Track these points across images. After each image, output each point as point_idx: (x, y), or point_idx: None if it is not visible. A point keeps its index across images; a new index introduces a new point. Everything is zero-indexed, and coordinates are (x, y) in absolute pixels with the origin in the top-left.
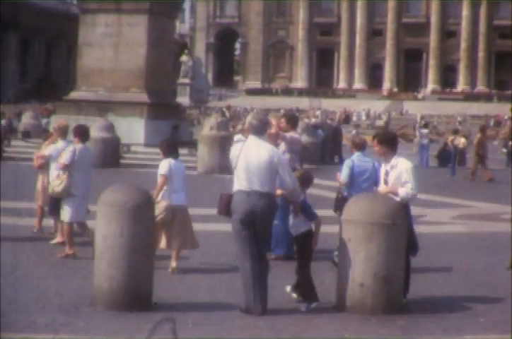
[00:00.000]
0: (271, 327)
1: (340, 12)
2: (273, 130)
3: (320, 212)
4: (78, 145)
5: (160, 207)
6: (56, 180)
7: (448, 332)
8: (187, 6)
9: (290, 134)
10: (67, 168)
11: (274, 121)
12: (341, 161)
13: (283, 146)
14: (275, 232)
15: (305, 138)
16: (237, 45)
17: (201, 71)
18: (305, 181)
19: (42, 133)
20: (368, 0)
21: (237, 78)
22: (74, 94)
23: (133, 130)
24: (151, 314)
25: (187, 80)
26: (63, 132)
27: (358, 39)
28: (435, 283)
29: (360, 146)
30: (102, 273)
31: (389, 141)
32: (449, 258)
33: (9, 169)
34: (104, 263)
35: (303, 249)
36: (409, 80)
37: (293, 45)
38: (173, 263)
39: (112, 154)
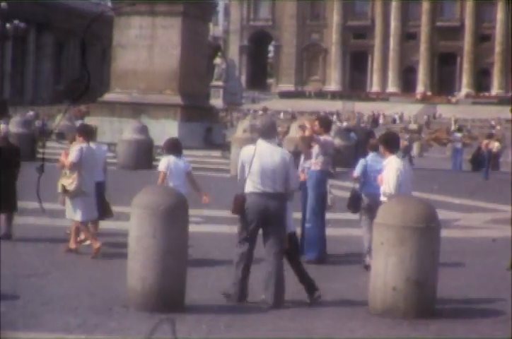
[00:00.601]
0: (302, 329)
1: (374, 15)
2: (307, 133)
3: (352, 216)
4: (84, 144)
5: None
6: (66, 179)
7: (481, 337)
8: (220, 8)
9: (323, 137)
10: (76, 167)
11: (307, 124)
12: None
13: (316, 149)
14: (307, 236)
15: (338, 141)
16: (271, 48)
17: (235, 74)
18: None
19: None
20: (403, 0)
21: (270, 80)
22: (108, 96)
23: (166, 132)
24: (183, 316)
25: (220, 83)
26: (90, 134)
27: (392, 43)
28: (467, 287)
29: (374, 147)
30: (135, 274)
31: (388, 142)
32: (482, 262)
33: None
34: (137, 265)
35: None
36: (443, 84)
37: (326, 48)
38: None
39: (145, 156)
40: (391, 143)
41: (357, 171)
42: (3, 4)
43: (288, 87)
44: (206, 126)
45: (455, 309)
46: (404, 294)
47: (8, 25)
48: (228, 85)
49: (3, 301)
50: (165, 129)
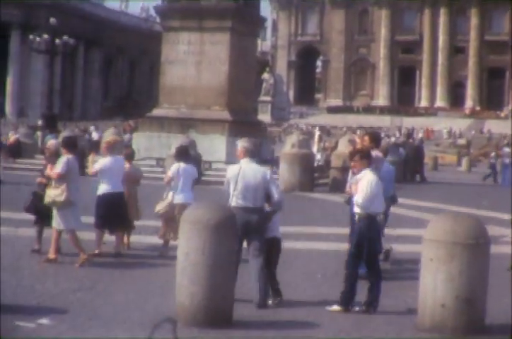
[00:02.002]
0: None
1: (422, 30)
2: (358, 147)
3: (401, 232)
4: (70, 156)
5: (163, 203)
6: (53, 190)
7: None
8: (268, 23)
9: (373, 152)
10: (63, 178)
11: (358, 139)
12: (423, 180)
13: None
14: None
15: (386, 157)
16: (319, 63)
17: (283, 89)
18: None
19: (124, 149)
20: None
21: (318, 95)
22: (156, 112)
23: (214, 147)
24: (231, 332)
25: (268, 98)
26: (110, 148)
27: (441, 57)
28: None
29: (384, 152)
30: (183, 290)
31: (363, 157)
32: None
33: (90, 185)
34: (185, 280)
35: (269, 253)
36: (492, 99)
37: (374, 63)
38: (169, 252)
39: None
40: (366, 158)
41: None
42: (53, 20)
43: (336, 102)
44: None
45: (505, 326)
46: (453, 311)
47: (57, 41)
48: (276, 100)
49: (49, 315)
50: (213, 144)
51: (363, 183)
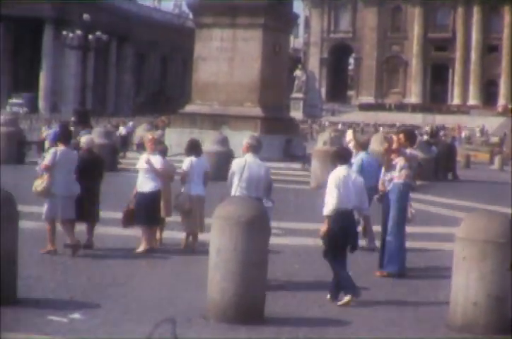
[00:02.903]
0: None
1: (455, 27)
2: (394, 145)
3: (432, 229)
4: (60, 148)
5: (180, 197)
6: (38, 180)
7: None
8: (301, 20)
9: (408, 150)
10: (49, 169)
11: (394, 137)
12: (456, 178)
13: (401, 162)
14: (388, 249)
15: (419, 155)
16: (351, 60)
17: (315, 86)
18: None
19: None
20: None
21: (350, 92)
22: (189, 108)
23: None
24: (262, 328)
25: (300, 95)
26: (155, 145)
27: (473, 55)
28: None
29: (365, 146)
30: (215, 286)
31: (340, 155)
32: None
33: (123, 181)
34: (217, 276)
35: None
36: None
37: (407, 60)
38: (187, 244)
39: (225, 167)
40: (344, 156)
41: (354, 169)
42: (86, 16)
43: (368, 99)
44: (286, 138)
45: None
46: (484, 310)
47: (90, 37)
48: (308, 97)
49: (82, 310)
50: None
51: (331, 185)
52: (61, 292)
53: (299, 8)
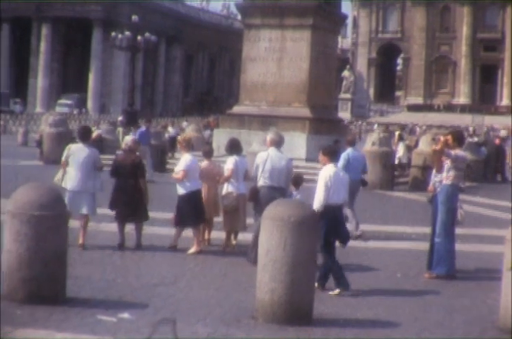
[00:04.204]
0: None
1: (504, 27)
2: (438, 146)
3: (482, 231)
4: (74, 145)
5: (230, 196)
6: (59, 172)
7: None
8: (349, 21)
9: (455, 151)
10: (63, 164)
11: (441, 138)
12: (505, 180)
13: (448, 163)
14: (437, 250)
15: (468, 156)
16: (399, 60)
17: (363, 86)
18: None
19: (203, 146)
20: None
21: (398, 93)
22: (237, 109)
23: (295, 144)
24: (311, 329)
25: (348, 96)
26: (187, 145)
27: None
28: None
29: (352, 142)
30: (263, 286)
31: (330, 153)
32: None
33: (171, 181)
34: (266, 276)
35: None
36: None
37: (456, 61)
38: (233, 242)
39: None
40: (331, 155)
41: (340, 165)
42: (135, 17)
43: (417, 100)
44: (334, 139)
45: None
46: None
47: (139, 38)
48: (356, 97)
49: (131, 310)
50: (293, 142)
51: (320, 182)
52: (110, 291)
53: (347, 8)
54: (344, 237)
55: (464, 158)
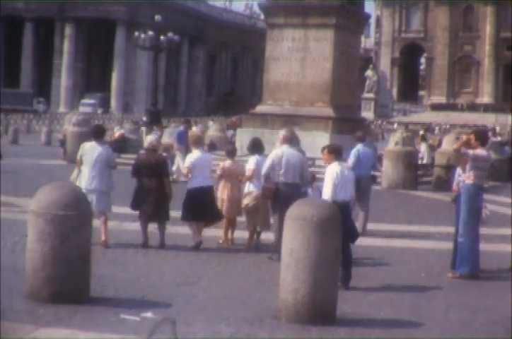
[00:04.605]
0: None
1: None
2: (455, 146)
3: (505, 231)
4: (87, 143)
5: (252, 196)
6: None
7: None
8: (372, 20)
9: (477, 151)
10: (78, 163)
11: (464, 137)
12: None
13: (470, 162)
14: (460, 249)
15: (491, 155)
16: (423, 60)
17: (386, 86)
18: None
19: (226, 146)
20: None
21: (421, 93)
22: (260, 108)
23: (318, 144)
24: (334, 329)
25: (371, 95)
26: (196, 142)
27: None
28: None
29: (362, 138)
30: (287, 286)
31: (334, 151)
32: None
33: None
34: (289, 276)
35: None
36: None
37: (479, 60)
38: (252, 242)
39: None
40: (337, 152)
41: (351, 162)
42: (158, 17)
43: (440, 99)
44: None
45: None
46: None
47: (162, 38)
48: (379, 97)
49: (154, 309)
50: (316, 141)
51: (328, 178)
52: (134, 290)
53: (370, 7)
54: (352, 234)
55: (486, 158)
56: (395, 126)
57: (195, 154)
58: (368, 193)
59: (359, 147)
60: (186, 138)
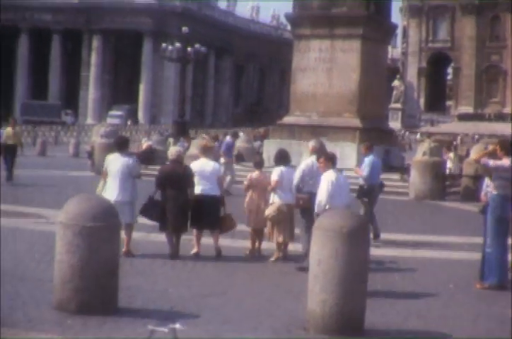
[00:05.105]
0: None
1: None
2: (474, 156)
3: None
4: (111, 155)
5: (275, 206)
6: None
7: None
8: (399, 31)
9: (498, 161)
10: (103, 175)
11: (490, 148)
12: None
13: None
14: (488, 260)
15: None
16: (450, 70)
17: (413, 96)
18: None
19: (253, 157)
20: None
21: (449, 102)
22: (287, 119)
23: (345, 154)
24: None
25: (398, 105)
26: (204, 150)
27: None
28: None
29: (372, 149)
30: (315, 297)
31: (330, 160)
32: None
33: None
34: (317, 287)
35: None
36: None
37: (506, 70)
38: (280, 254)
39: None
40: (333, 161)
41: (367, 171)
42: (185, 29)
43: (467, 109)
44: (384, 149)
45: None
46: None
47: (189, 49)
48: (407, 107)
49: (182, 320)
50: (344, 152)
51: (323, 185)
52: (161, 301)
53: (397, 18)
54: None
55: (507, 167)
56: (418, 136)
57: (199, 162)
58: (376, 200)
59: (371, 157)
60: (232, 151)
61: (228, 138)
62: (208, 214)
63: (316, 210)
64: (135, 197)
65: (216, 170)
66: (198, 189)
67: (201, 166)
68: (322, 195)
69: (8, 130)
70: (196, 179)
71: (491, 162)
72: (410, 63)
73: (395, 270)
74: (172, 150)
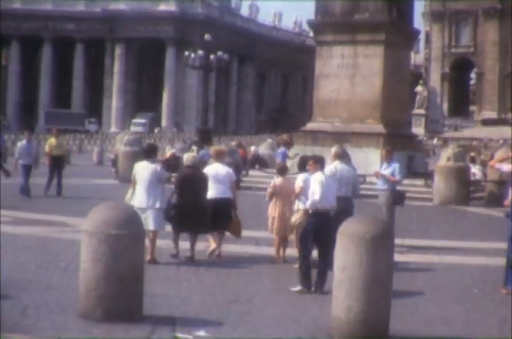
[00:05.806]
0: None
1: None
2: (492, 161)
3: None
4: (139, 163)
5: (298, 214)
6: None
7: None
8: (421, 36)
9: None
10: (132, 183)
11: (504, 153)
12: None
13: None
14: None
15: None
16: (473, 75)
17: (436, 102)
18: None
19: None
20: None
21: (472, 108)
22: (310, 125)
23: (369, 161)
24: None
25: (422, 111)
26: (217, 156)
27: None
28: None
29: (392, 156)
30: (339, 303)
31: (319, 162)
32: None
33: (246, 199)
34: (342, 294)
35: None
36: None
37: None
38: None
39: None
40: (321, 163)
41: (400, 177)
42: (207, 36)
43: (491, 114)
44: (408, 155)
45: None
46: None
47: (211, 57)
48: (430, 113)
49: (207, 327)
50: (367, 158)
51: (316, 186)
52: (186, 309)
53: (420, 23)
54: (325, 241)
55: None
56: (435, 141)
57: (213, 166)
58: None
59: (395, 164)
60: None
61: (282, 148)
62: (221, 216)
63: (308, 206)
64: (163, 204)
65: (230, 174)
66: (212, 192)
67: (215, 170)
68: (314, 193)
69: (52, 140)
70: (210, 183)
71: (505, 167)
72: (433, 69)
73: (420, 275)
74: (188, 156)
